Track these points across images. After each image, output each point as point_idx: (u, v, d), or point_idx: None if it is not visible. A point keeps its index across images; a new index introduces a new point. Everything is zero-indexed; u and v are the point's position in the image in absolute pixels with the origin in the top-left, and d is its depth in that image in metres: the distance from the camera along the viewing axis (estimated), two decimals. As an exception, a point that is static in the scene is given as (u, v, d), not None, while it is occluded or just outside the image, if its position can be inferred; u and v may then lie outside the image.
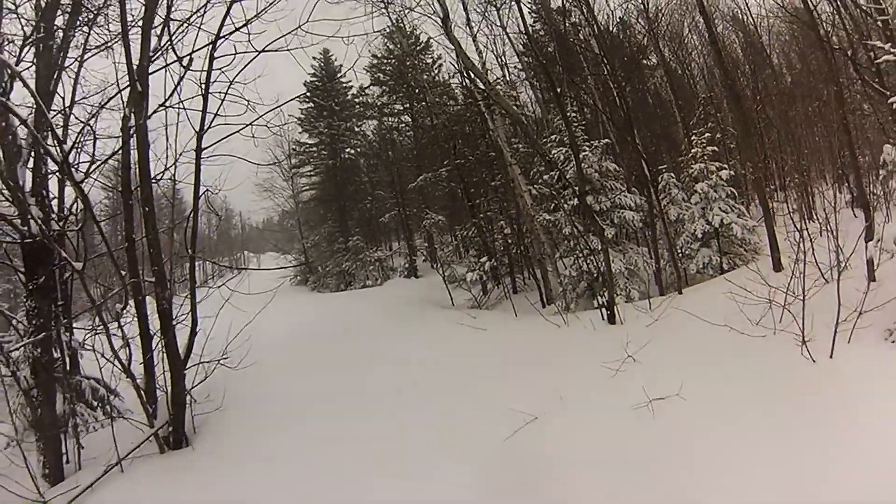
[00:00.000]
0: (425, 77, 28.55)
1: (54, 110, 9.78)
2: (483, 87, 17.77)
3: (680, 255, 15.53)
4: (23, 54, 9.58)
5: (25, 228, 8.71)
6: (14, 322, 9.42)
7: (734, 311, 9.50)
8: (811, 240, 9.14)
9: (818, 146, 23.74)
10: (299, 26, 10.32)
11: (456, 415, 9.39)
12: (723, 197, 15.52)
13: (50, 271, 8.99)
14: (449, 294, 21.43)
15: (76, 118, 10.48)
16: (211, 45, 9.89)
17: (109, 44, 10.35)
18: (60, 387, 9.37)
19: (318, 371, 12.67)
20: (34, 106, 8.67)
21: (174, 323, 9.71)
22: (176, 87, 9.86)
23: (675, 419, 7.60)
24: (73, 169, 9.26)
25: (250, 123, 10.62)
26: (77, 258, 9.17)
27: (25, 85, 8.39)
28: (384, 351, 13.73)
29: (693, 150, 16.28)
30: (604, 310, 12.59)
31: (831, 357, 7.85)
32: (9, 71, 8.66)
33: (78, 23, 10.05)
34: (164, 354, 9.55)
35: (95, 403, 10.42)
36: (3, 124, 8.77)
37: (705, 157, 16.02)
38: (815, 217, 15.96)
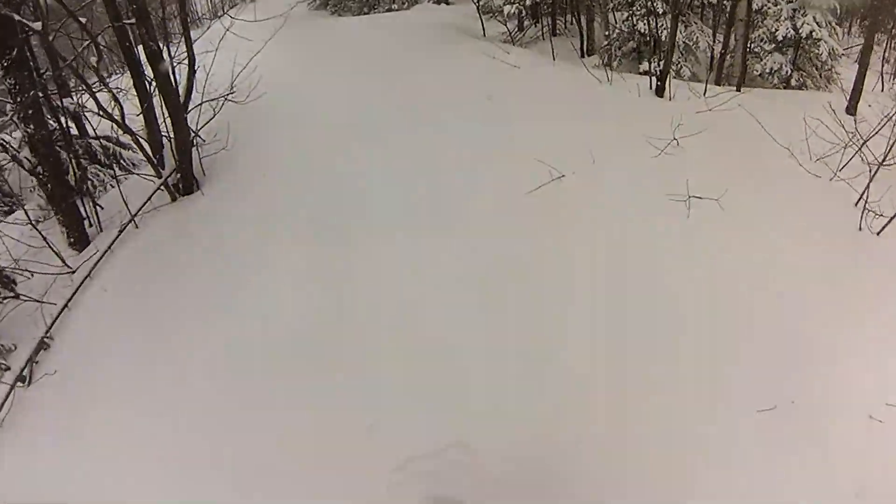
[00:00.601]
0: None
1: None
2: None
3: (750, 49, 13.80)
4: None
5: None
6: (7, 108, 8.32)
7: (798, 135, 8.65)
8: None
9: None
10: None
11: (478, 160, 8.84)
12: (822, 7, 13.35)
13: (20, 42, 7.67)
14: (482, 24, 19.42)
15: None
16: None
17: None
18: (69, 154, 8.84)
19: (331, 104, 11.42)
20: None
21: (171, 65, 8.67)
22: None
23: (708, 226, 7.25)
24: None
25: None
26: (37, 18, 7.81)
27: None
28: (405, 81, 12.32)
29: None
30: (653, 79, 11.46)
31: (878, 234, 7.29)
32: None
33: None
34: (162, 100, 8.70)
35: (108, 161, 9.95)
36: None
37: None
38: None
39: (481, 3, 20.34)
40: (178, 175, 9.02)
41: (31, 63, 8.11)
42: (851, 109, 10.32)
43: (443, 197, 8.13)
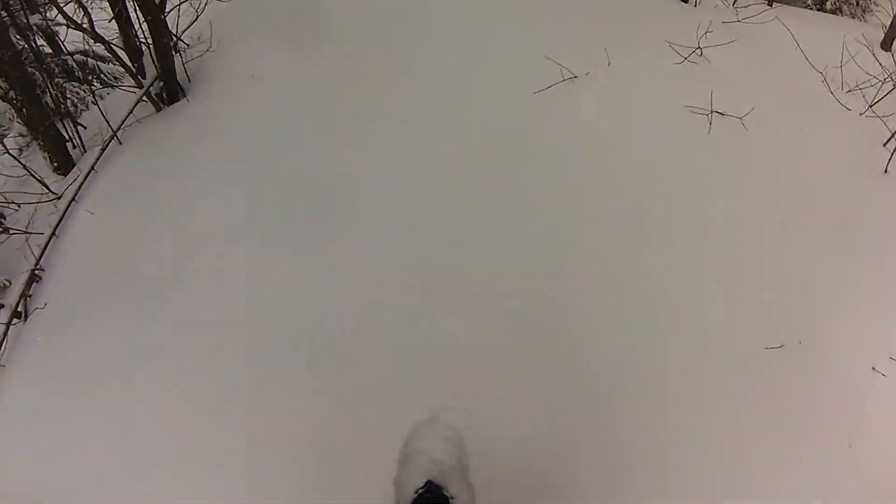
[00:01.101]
0: None
1: None
2: None
3: (782, -40, 12.66)
4: None
5: None
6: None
7: (833, 61, 7.91)
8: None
9: None
10: None
11: (484, 56, 8.00)
12: None
13: None
14: None
15: None
16: None
17: None
18: (42, 73, 8.17)
19: None
20: None
21: None
22: None
23: (728, 145, 6.69)
24: None
25: None
26: None
27: None
28: None
29: None
30: (677, -20, 10.42)
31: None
32: None
33: None
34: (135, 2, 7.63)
35: (87, 77, 9.35)
36: None
37: None
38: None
39: None
40: (161, 83, 8.12)
41: None
42: (887, 45, 9.55)
43: (444, 94, 7.44)
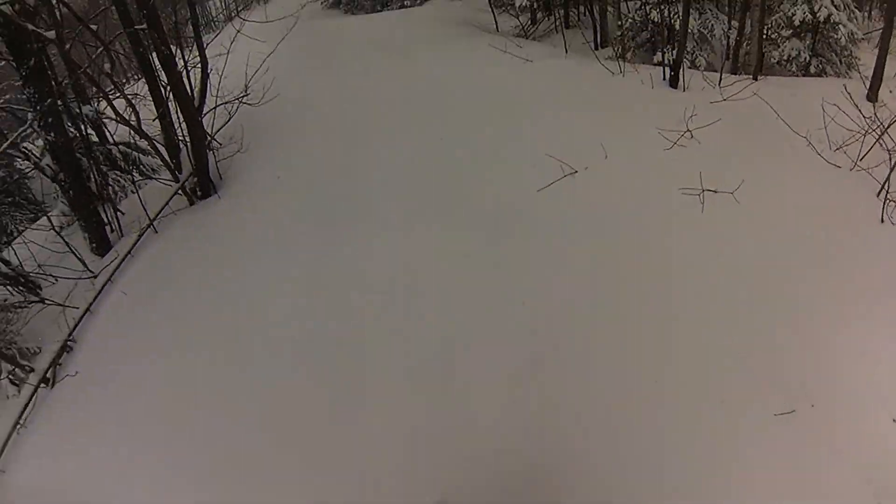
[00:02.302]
0: None
1: None
2: None
3: (766, 35, 13.39)
4: None
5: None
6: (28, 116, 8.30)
7: (816, 124, 8.38)
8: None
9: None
10: None
11: (488, 154, 8.78)
12: None
13: (37, 51, 7.73)
14: (494, 18, 19.23)
15: None
16: None
17: None
18: (89, 161, 8.86)
19: (343, 101, 11.44)
20: None
21: (186, 69, 8.89)
22: None
23: (723, 221, 7.04)
24: None
25: None
26: (49, 28, 7.77)
27: None
28: (416, 78, 12.27)
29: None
30: (667, 69, 11.20)
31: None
32: None
33: None
34: (177, 104, 8.81)
35: (128, 167, 9.93)
36: None
37: None
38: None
39: (493, -4, 20.13)
40: (195, 179, 9.08)
41: (50, 72, 8.16)
42: (872, 96, 9.97)
43: (454, 194, 8.07)
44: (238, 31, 9.71)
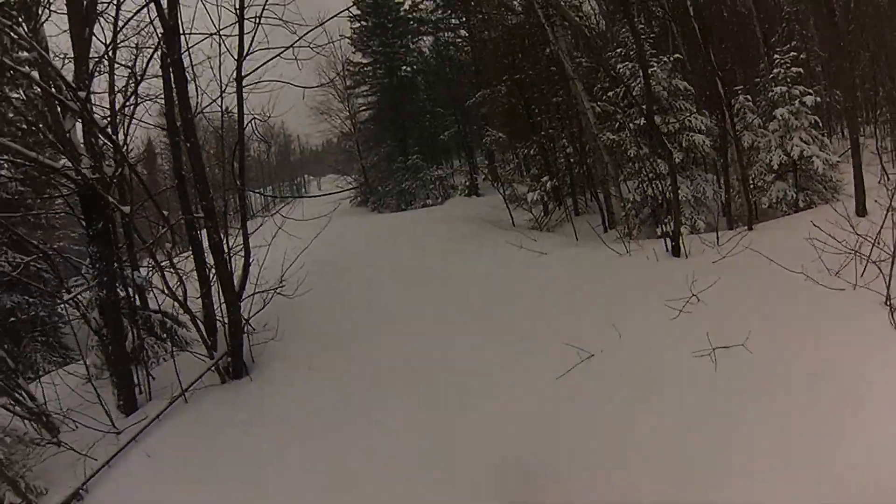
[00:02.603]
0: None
1: (94, 56, 9.57)
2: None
3: (752, 186, 14.30)
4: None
5: (79, 178, 8.82)
6: (83, 269, 9.86)
7: (811, 256, 8.66)
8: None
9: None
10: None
11: (508, 347, 9.22)
12: (805, 126, 13.92)
13: (106, 217, 9.23)
14: (509, 214, 21.01)
15: (119, 64, 10.42)
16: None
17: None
18: (129, 323, 9.78)
19: (371, 295, 12.74)
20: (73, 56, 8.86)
21: (228, 255, 9.90)
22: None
23: (738, 373, 7.09)
24: (93, 115, 9.15)
25: (291, 46, 10.47)
26: (125, 202, 9.47)
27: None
28: (438, 273, 13.64)
29: (774, 71, 14.56)
30: (668, 240, 11.92)
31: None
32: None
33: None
34: (219, 286, 9.81)
35: (164, 336, 10.88)
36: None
37: (788, 80, 14.34)
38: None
39: (507, 193, 22.06)
40: (229, 358, 9.68)
41: (112, 236, 9.19)
42: (861, 211, 10.31)
43: (474, 388, 8.35)
44: (279, 228, 10.85)
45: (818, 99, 14.54)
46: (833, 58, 17.09)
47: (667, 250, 11.73)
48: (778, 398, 6.58)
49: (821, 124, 14.72)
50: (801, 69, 14.56)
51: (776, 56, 14.71)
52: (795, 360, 7.02)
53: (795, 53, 14.77)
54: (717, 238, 11.13)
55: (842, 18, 20.22)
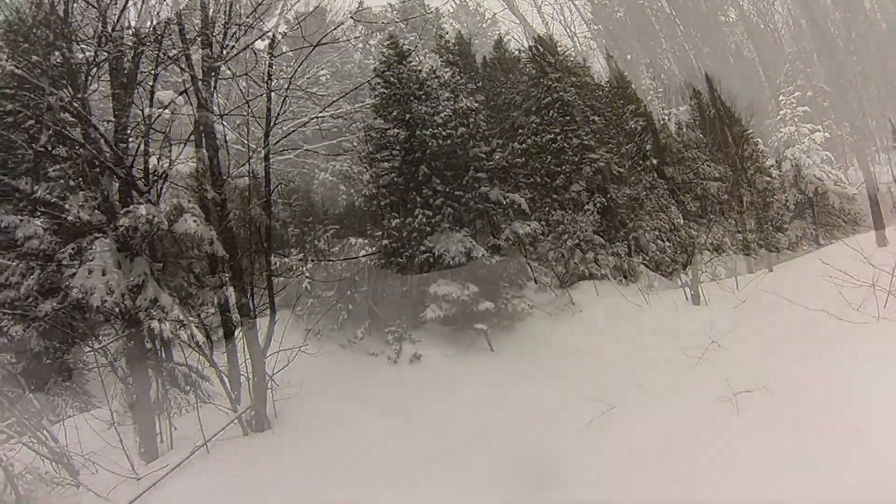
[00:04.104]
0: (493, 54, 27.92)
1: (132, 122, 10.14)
2: (553, 61, 17.13)
3: (770, 227, 14.33)
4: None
5: (115, 233, 9.34)
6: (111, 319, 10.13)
7: (831, 293, 8.51)
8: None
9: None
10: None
11: (533, 401, 9.32)
12: (817, 163, 14.12)
13: (139, 272, 9.62)
14: (530, 271, 21.11)
15: (155, 129, 10.80)
16: (269, 46, 10.03)
17: (176, 56, 10.37)
18: (155, 373, 10.04)
19: None
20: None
21: (254, 313, 10.13)
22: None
23: (760, 416, 6.98)
24: (135, 181, 9.81)
25: (315, 116, 11.00)
26: (158, 260, 9.91)
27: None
28: None
29: (781, 112, 14.88)
30: (687, 289, 11.92)
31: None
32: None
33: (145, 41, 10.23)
34: (245, 343, 10.00)
35: (187, 388, 10.99)
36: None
37: (796, 119, 14.59)
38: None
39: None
40: (252, 412, 9.73)
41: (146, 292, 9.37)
42: (882, 241, 10.17)
43: (504, 447, 8.39)
44: (304, 289, 11.36)
45: (828, 134, 14.63)
46: (838, 90, 17.27)
47: (686, 299, 11.73)
48: (803, 439, 6.44)
49: (833, 160, 14.74)
50: (807, 107, 14.72)
51: (781, 97, 14.95)
52: (818, 398, 6.86)
53: (800, 93, 14.98)
54: (737, 283, 11.10)
55: (843, 52, 20.48)
